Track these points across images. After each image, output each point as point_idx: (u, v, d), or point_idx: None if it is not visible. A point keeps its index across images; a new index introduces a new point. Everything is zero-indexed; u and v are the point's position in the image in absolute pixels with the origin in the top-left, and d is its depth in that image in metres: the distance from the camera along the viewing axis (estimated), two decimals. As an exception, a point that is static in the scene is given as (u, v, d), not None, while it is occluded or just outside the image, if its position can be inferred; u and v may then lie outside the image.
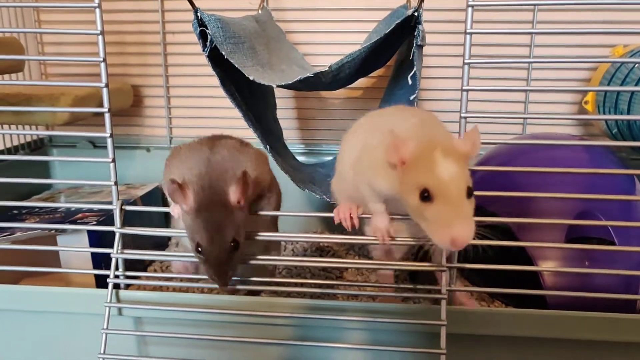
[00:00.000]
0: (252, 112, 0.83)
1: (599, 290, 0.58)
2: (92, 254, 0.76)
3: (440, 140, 0.47)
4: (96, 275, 0.76)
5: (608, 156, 0.79)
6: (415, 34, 0.73)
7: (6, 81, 0.93)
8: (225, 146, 0.60)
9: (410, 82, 0.75)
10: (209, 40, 0.71)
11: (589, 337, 0.57)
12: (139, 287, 0.73)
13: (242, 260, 0.57)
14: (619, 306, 0.60)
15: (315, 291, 0.62)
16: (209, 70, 0.75)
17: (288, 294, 0.65)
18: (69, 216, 0.81)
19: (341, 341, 0.59)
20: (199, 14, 0.70)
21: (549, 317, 0.58)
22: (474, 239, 0.44)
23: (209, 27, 0.71)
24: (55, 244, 0.78)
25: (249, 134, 0.78)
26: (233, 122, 0.93)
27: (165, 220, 0.98)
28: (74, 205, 0.87)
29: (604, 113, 0.95)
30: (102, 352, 0.58)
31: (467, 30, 0.54)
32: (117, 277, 0.62)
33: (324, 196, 0.82)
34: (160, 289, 0.77)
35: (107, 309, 0.60)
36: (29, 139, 1.14)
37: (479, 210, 0.65)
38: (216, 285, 0.54)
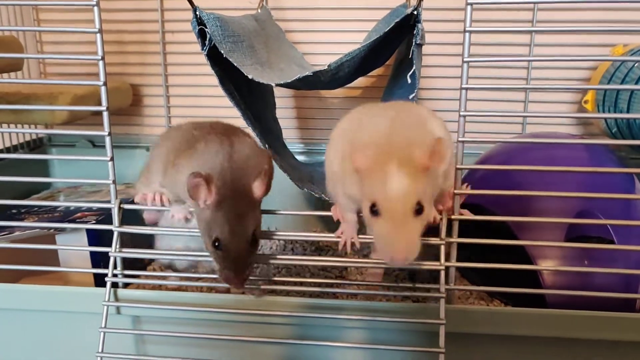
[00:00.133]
0: (251, 111, 0.83)
1: (598, 290, 0.58)
2: (91, 253, 0.76)
3: (401, 149, 0.45)
4: (95, 275, 0.76)
5: (608, 155, 0.79)
6: (415, 32, 0.72)
7: (5, 80, 0.93)
8: (243, 142, 0.59)
9: (409, 81, 0.75)
10: (207, 39, 0.71)
11: (589, 337, 0.57)
12: (138, 286, 0.73)
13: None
14: (619, 306, 0.60)
15: (314, 290, 0.61)
16: (208, 69, 0.75)
17: (287, 293, 0.65)
18: (68, 215, 0.80)
19: (340, 340, 0.59)
20: (197, 13, 0.70)
21: (548, 316, 0.58)
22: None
23: (207, 26, 0.70)
24: (54, 243, 0.77)
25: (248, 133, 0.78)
26: (232, 122, 0.92)
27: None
28: (72, 204, 0.86)
29: (604, 112, 0.95)
30: (100, 350, 0.58)
31: (466, 28, 0.54)
32: (115, 275, 0.62)
33: (322, 195, 0.82)
34: (159, 287, 0.77)
35: (106, 307, 0.60)
36: (28, 138, 1.14)
37: (478, 210, 0.66)
38: (225, 284, 0.53)
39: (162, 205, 0.64)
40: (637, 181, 0.75)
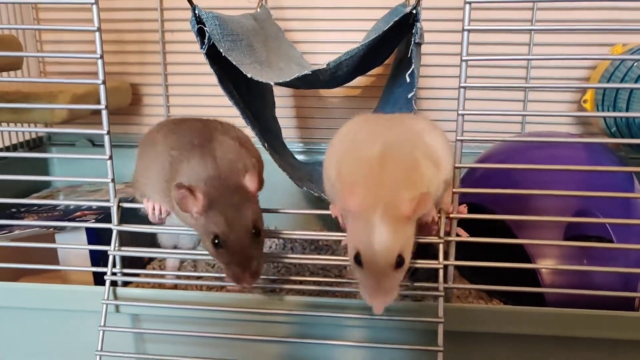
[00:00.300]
0: (249, 109, 0.83)
1: (597, 289, 0.58)
2: (91, 252, 0.76)
3: (388, 193, 0.46)
4: (94, 275, 0.76)
5: (607, 155, 0.79)
6: (414, 31, 0.72)
7: (4, 78, 0.93)
8: (224, 145, 0.56)
9: (408, 79, 0.75)
10: (206, 38, 0.71)
11: (587, 335, 0.57)
12: (138, 285, 0.73)
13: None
14: (618, 305, 0.60)
15: (314, 289, 0.61)
16: (208, 68, 0.75)
17: (287, 292, 0.65)
18: (68, 215, 0.80)
19: (339, 338, 0.59)
20: (196, 12, 0.70)
21: (547, 314, 0.57)
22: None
23: (206, 25, 0.70)
24: (53, 242, 0.77)
25: (247, 132, 0.78)
26: (231, 121, 0.93)
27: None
28: (72, 203, 0.86)
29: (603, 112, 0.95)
30: (99, 349, 0.58)
31: (465, 27, 0.54)
32: (114, 274, 0.62)
33: (322, 194, 0.82)
34: (159, 286, 0.77)
35: (105, 306, 0.60)
36: (27, 137, 1.14)
37: (478, 209, 0.66)
38: (232, 283, 0.50)
39: (161, 214, 0.64)
40: (637, 181, 0.75)
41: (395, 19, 0.71)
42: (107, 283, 0.61)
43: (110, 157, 0.61)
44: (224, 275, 0.59)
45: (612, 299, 0.61)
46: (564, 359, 0.60)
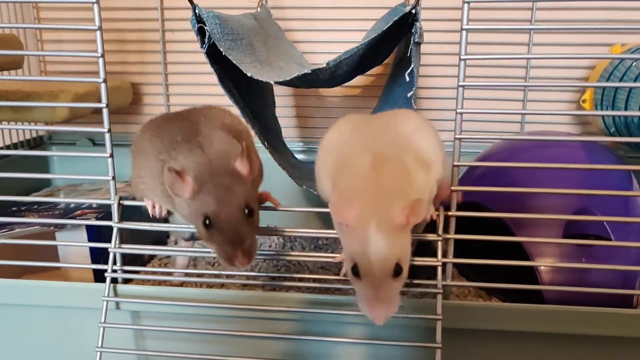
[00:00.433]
0: (250, 108, 0.83)
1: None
2: (91, 252, 0.77)
3: (382, 203, 0.46)
4: (95, 274, 0.76)
5: (606, 154, 0.79)
6: (413, 31, 0.73)
7: (4, 76, 0.93)
8: (213, 137, 0.54)
9: (407, 79, 0.76)
10: (207, 37, 0.71)
11: (586, 332, 0.58)
12: (143, 282, 0.73)
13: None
14: (616, 305, 0.60)
15: (315, 286, 0.62)
16: (208, 68, 0.75)
17: (287, 291, 0.65)
18: (68, 213, 0.81)
19: (339, 335, 0.59)
20: (197, 11, 0.71)
21: (545, 311, 0.58)
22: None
23: (207, 24, 0.71)
24: (54, 241, 0.78)
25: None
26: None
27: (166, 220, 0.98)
28: (72, 201, 0.87)
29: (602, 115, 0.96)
30: (99, 345, 0.59)
31: (463, 27, 0.55)
32: (114, 271, 0.63)
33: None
34: (160, 284, 0.77)
35: (105, 303, 0.60)
36: (28, 136, 1.14)
37: (477, 209, 0.66)
38: (228, 271, 0.50)
39: (162, 211, 0.64)
40: (635, 180, 0.76)
41: (394, 19, 0.72)
42: (108, 280, 0.61)
43: (111, 155, 0.62)
44: (224, 272, 0.59)
45: (611, 299, 0.61)
46: (562, 357, 0.60)
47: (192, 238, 0.79)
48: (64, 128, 0.77)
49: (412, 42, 0.73)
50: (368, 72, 1.04)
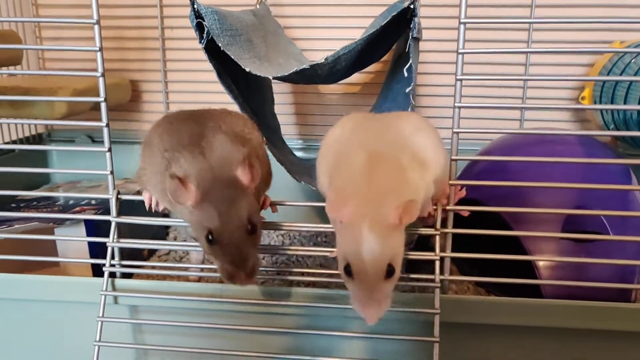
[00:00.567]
0: (248, 105, 0.83)
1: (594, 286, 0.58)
2: (90, 249, 0.77)
3: (375, 203, 0.46)
4: (94, 271, 0.76)
5: (605, 151, 0.79)
6: (411, 26, 0.73)
7: (3, 71, 0.93)
8: (217, 141, 0.54)
9: (406, 74, 0.76)
10: (205, 32, 0.71)
11: (584, 326, 0.58)
12: (148, 277, 0.73)
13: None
14: (614, 301, 0.60)
15: (313, 280, 0.62)
16: (207, 66, 0.75)
17: (285, 284, 0.65)
18: (67, 210, 0.81)
19: (336, 329, 0.59)
20: (195, 6, 0.71)
21: (543, 305, 0.58)
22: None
23: (205, 19, 0.71)
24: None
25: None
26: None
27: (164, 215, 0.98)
28: (70, 195, 0.87)
29: (601, 110, 0.95)
30: (97, 339, 0.59)
31: (462, 20, 0.55)
32: (113, 266, 0.63)
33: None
34: (156, 277, 0.77)
35: (103, 297, 0.60)
36: (27, 133, 1.14)
37: (476, 205, 0.66)
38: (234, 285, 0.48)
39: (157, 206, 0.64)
40: (634, 178, 0.76)
41: (393, 14, 0.72)
42: (106, 274, 0.61)
43: (109, 149, 0.62)
44: None
45: (609, 296, 0.61)
46: (560, 351, 0.60)
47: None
48: (62, 122, 0.77)
49: (410, 37, 0.74)
50: (367, 70, 1.04)
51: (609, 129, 0.96)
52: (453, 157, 0.58)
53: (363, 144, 0.53)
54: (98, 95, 0.60)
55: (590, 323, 0.57)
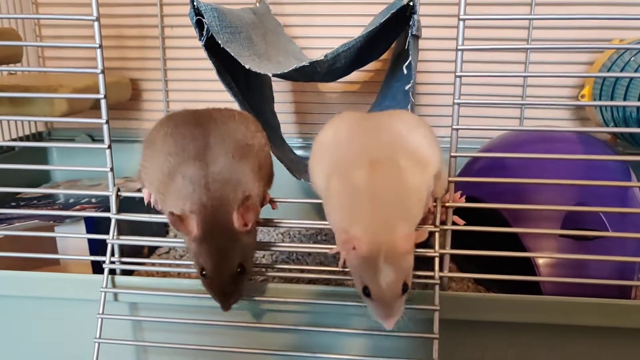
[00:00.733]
0: (248, 103, 0.83)
1: (594, 285, 0.58)
2: (90, 246, 0.77)
3: (384, 229, 0.48)
4: (94, 269, 0.77)
5: (605, 150, 0.79)
6: (411, 23, 0.73)
7: (2, 68, 0.93)
8: (222, 161, 0.55)
9: (405, 71, 0.76)
10: (205, 30, 0.71)
11: (583, 323, 0.58)
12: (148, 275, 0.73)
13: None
14: (615, 298, 0.60)
15: (312, 277, 0.62)
16: (207, 64, 0.75)
17: (283, 281, 0.65)
18: (67, 208, 0.81)
19: (335, 326, 0.59)
20: (195, 3, 0.71)
21: (543, 302, 0.58)
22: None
23: (205, 16, 0.71)
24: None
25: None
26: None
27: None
28: (70, 192, 0.87)
29: (600, 108, 0.95)
30: (97, 336, 0.59)
31: (461, 17, 0.55)
32: (112, 263, 0.63)
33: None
34: (157, 274, 0.77)
35: (103, 294, 0.60)
36: (27, 132, 1.14)
37: (476, 203, 0.66)
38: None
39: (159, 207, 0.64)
40: (634, 177, 0.76)
41: (392, 11, 0.72)
42: (106, 271, 0.61)
43: (109, 147, 0.62)
44: None
45: (608, 294, 0.61)
46: (560, 347, 0.60)
47: None
48: (62, 119, 0.77)
49: (409, 34, 0.74)
50: (366, 68, 1.04)
51: (608, 127, 0.96)
52: (452, 154, 0.58)
53: (361, 151, 0.54)
54: (98, 93, 0.60)
55: (589, 320, 0.57)
